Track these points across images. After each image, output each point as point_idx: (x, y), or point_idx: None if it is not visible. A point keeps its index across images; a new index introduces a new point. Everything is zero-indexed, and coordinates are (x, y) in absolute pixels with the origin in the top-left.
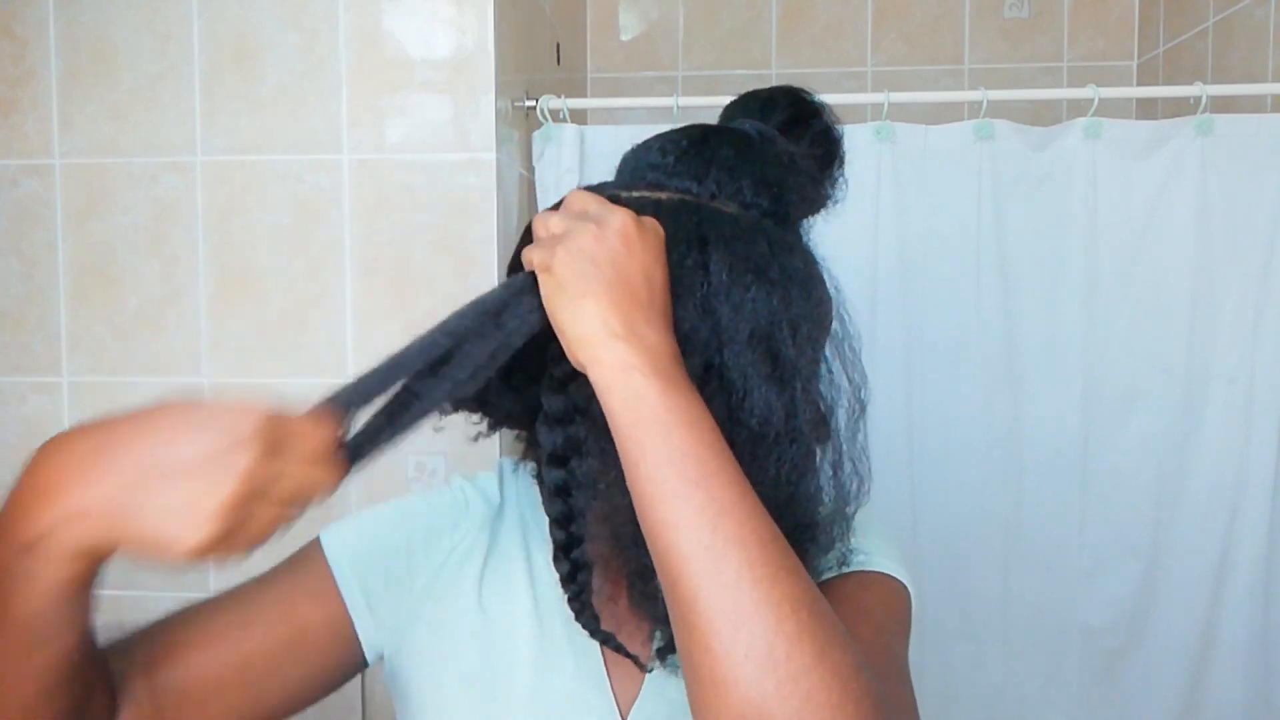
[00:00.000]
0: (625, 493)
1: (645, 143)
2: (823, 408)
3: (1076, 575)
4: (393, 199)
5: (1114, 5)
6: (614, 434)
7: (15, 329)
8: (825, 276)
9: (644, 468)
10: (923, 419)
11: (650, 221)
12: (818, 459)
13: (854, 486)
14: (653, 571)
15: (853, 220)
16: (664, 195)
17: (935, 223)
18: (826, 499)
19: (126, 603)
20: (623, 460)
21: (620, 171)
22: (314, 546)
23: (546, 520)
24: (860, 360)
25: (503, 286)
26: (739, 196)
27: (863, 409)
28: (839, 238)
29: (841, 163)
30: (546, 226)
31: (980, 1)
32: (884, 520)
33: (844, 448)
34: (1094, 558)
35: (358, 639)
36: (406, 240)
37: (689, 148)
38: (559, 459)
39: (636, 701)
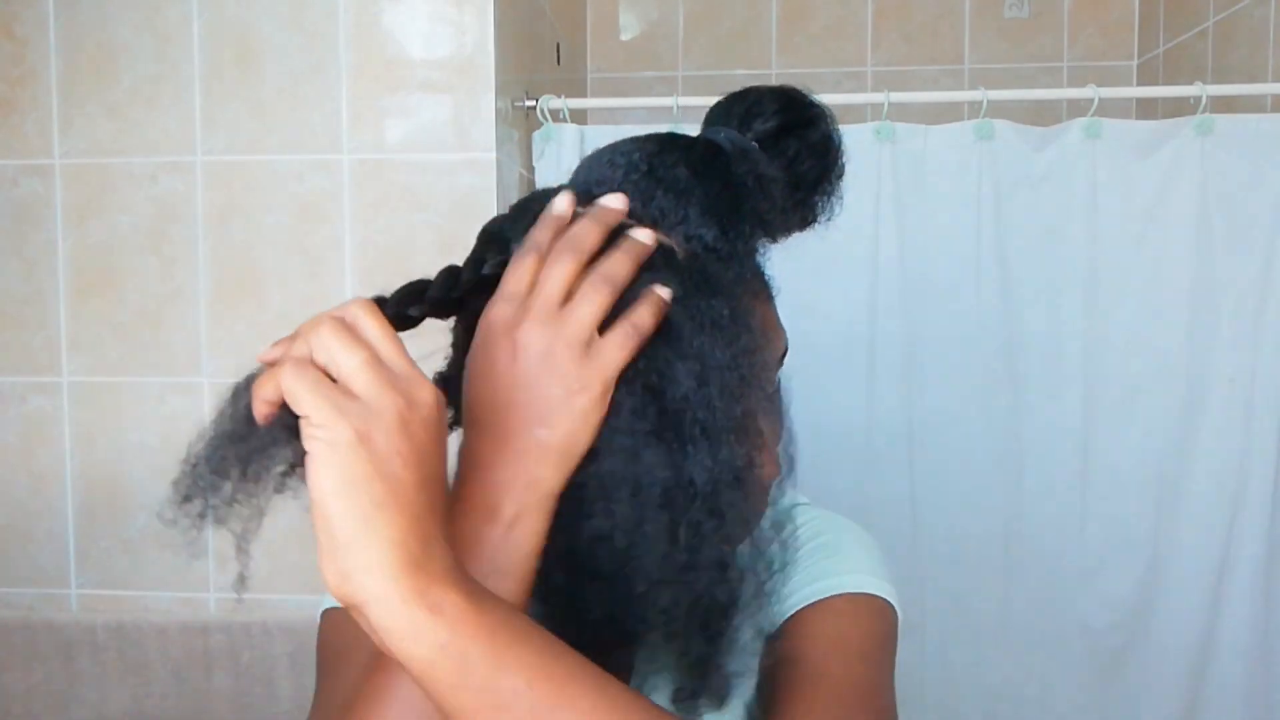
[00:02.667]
0: (576, 525)
1: (603, 150)
2: (750, 460)
3: (1076, 575)
4: (393, 199)
5: (1114, 5)
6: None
7: (15, 329)
8: (767, 308)
9: None
10: (923, 419)
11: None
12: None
13: (775, 553)
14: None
15: (853, 220)
16: None
17: (935, 223)
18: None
19: (128, 601)
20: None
21: (575, 175)
22: (336, 619)
23: None
24: (789, 415)
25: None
26: (683, 226)
27: (791, 465)
28: (839, 238)
29: (840, 175)
30: (335, 361)
31: (980, 1)
32: (878, 522)
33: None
34: (1094, 558)
35: None
36: (406, 240)
37: (640, 163)
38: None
39: None
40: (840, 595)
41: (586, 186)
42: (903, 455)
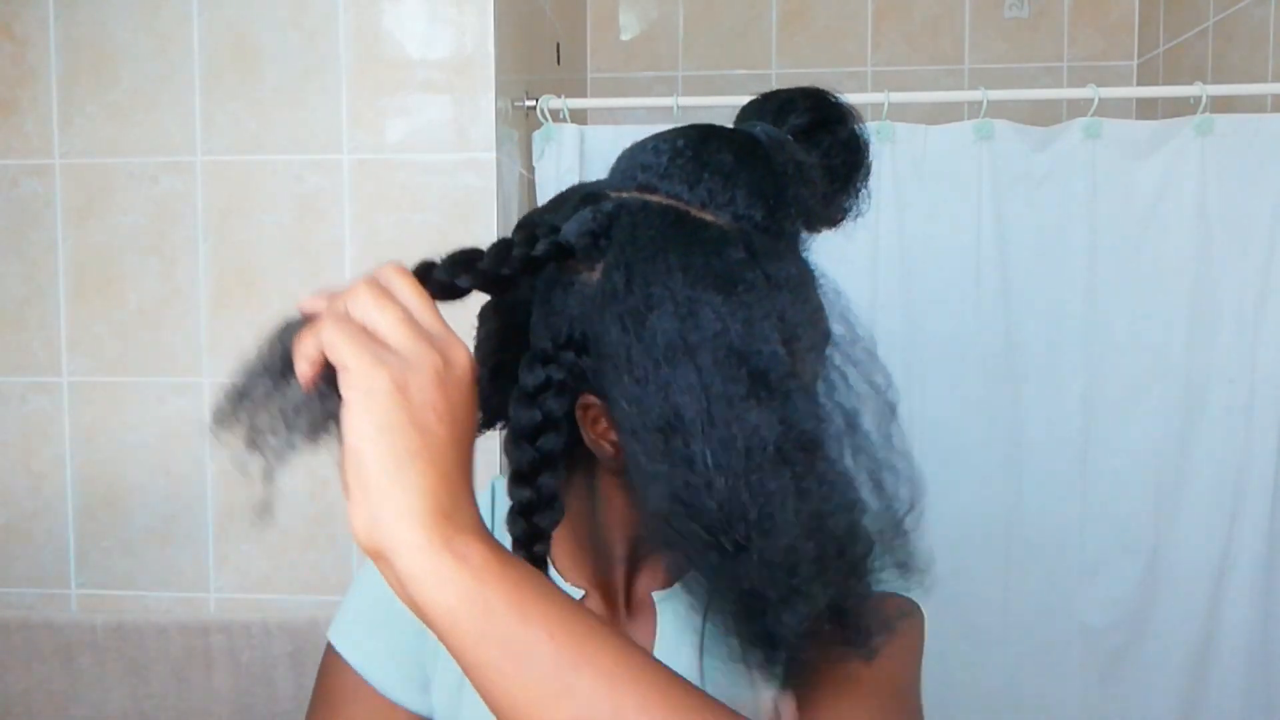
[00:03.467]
0: (594, 511)
1: (645, 140)
2: (821, 420)
3: (1076, 575)
4: (393, 199)
5: (1114, 5)
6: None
7: (15, 329)
8: (823, 283)
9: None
10: (923, 419)
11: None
12: (846, 471)
13: (904, 492)
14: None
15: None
16: (652, 199)
17: (935, 223)
18: (871, 509)
19: (128, 601)
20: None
21: (615, 167)
22: (337, 665)
23: None
24: (879, 360)
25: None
26: (731, 206)
27: (892, 411)
28: (839, 237)
29: (867, 173)
30: (367, 314)
31: (980, 1)
32: None
33: (880, 456)
34: (1094, 558)
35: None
36: (406, 240)
37: (685, 149)
38: (525, 476)
39: None
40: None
41: (632, 173)
42: None
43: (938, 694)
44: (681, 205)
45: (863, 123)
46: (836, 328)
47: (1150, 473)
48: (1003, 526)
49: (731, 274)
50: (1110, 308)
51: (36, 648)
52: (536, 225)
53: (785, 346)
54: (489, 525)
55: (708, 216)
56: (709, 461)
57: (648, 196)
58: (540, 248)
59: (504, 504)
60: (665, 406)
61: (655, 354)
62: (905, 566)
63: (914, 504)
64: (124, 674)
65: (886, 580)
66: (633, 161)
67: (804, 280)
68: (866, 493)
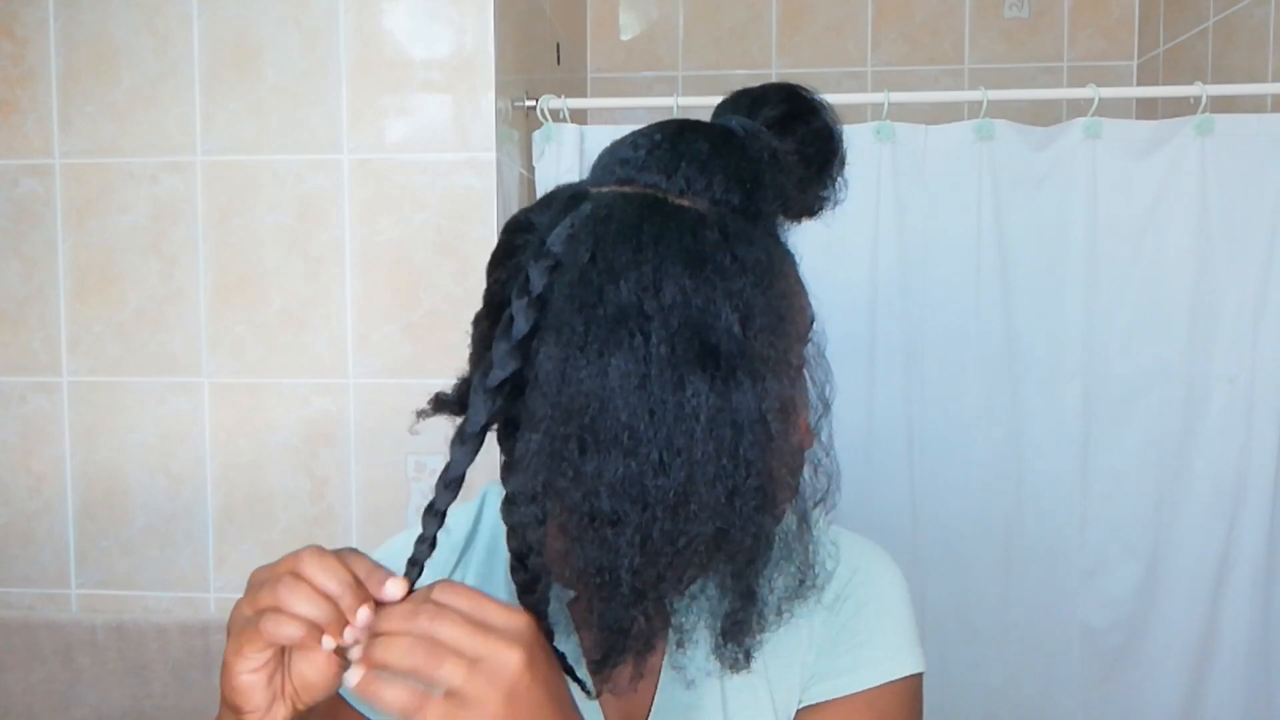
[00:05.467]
0: (552, 516)
1: (624, 137)
2: (787, 406)
3: (1076, 575)
4: (393, 199)
5: (1114, 5)
6: None
7: (15, 329)
8: (795, 274)
9: None
10: (923, 419)
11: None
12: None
13: (823, 485)
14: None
15: (853, 220)
16: (630, 190)
17: (935, 223)
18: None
19: (128, 601)
20: None
21: (595, 164)
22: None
23: None
24: (824, 358)
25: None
26: (709, 192)
27: (826, 408)
28: (839, 238)
29: (842, 163)
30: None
31: (980, 1)
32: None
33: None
34: (1094, 558)
35: None
36: (406, 240)
37: (662, 141)
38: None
39: None
40: (888, 684)
41: (611, 168)
42: (902, 455)
43: (938, 694)
44: (659, 193)
45: (835, 114)
46: (793, 325)
47: (1150, 472)
48: (1003, 526)
49: (703, 254)
50: (1110, 308)
51: (36, 648)
52: (519, 230)
53: (741, 329)
54: (465, 533)
55: (685, 202)
56: (648, 417)
57: (626, 189)
58: (520, 325)
59: (494, 509)
60: (595, 373)
61: (604, 318)
62: (802, 576)
63: (830, 500)
64: (124, 674)
65: (779, 588)
66: (612, 158)
67: (774, 267)
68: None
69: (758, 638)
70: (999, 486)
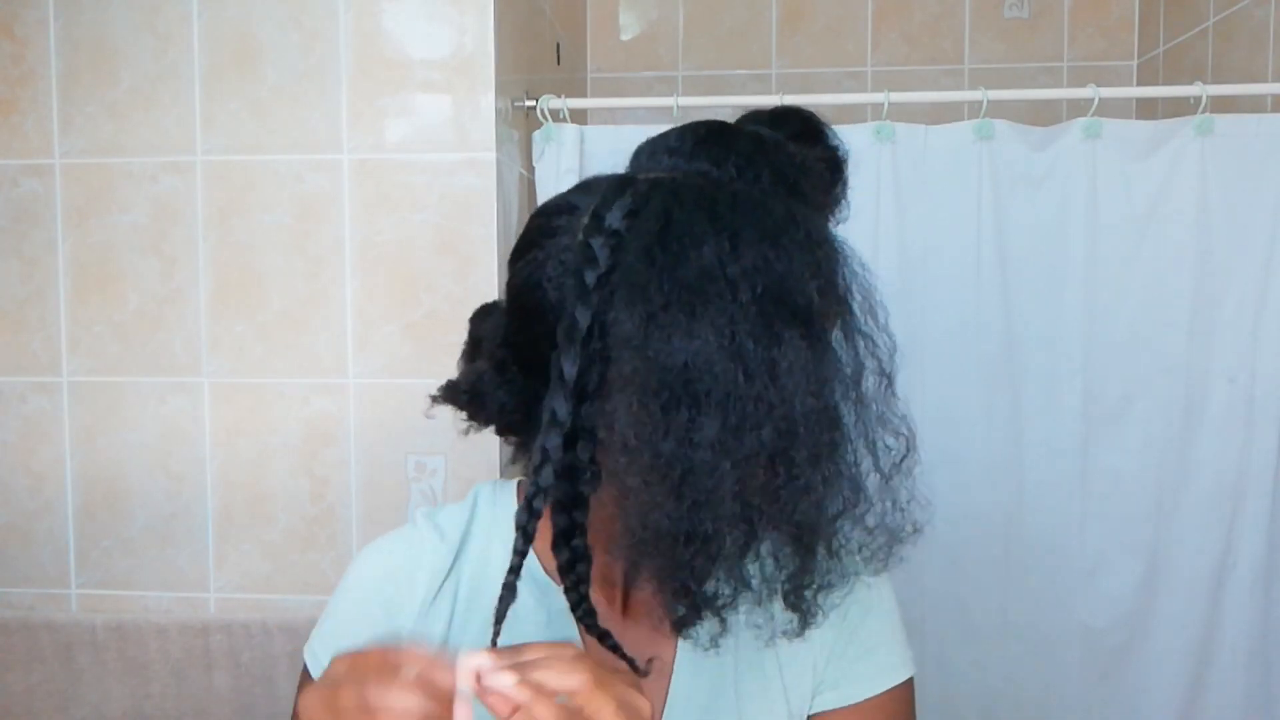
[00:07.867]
0: (633, 477)
1: (664, 133)
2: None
3: (1076, 575)
4: (393, 199)
5: (1114, 5)
6: None
7: (15, 329)
8: (850, 256)
9: None
10: (922, 419)
11: None
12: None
13: (900, 447)
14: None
15: (853, 220)
16: (682, 175)
17: (935, 222)
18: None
19: (128, 601)
20: None
21: (634, 159)
22: (308, 684)
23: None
24: (888, 326)
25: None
26: (757, 184)
27: (890, 380)
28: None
29: (845, 185)
30: None
31: (980, 1)
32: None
33: (881, 413)
34: (1094, 558)
35: None
36: (406, 240)
37: (707, 136)
38: (570, 438)
39: None
40: (893, 689)
41: (657, 158)
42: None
43: (938, 694)
44: (715, 177)
45: (841, 143)
46: (859, 297)
47: (1150, 472)
48: (1003, 526)
49: (778, 225)
50: (1110, 308)
51: (36, 648)
52: (557, 213)
53: (820, 297)
54: (459, 537)
55: (740, 187)
56: (731, 388)
57: (675, 174)
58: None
59: (487, 512)
60: (683, 333)
61: (687, 280)
62: (884, 540)
63: (910, 462)
64: (124, 674)
65: (862, 546)
66: (655, 149)
67: (838, 244)
68: (862, 447)
69: (828, 597)
70: (999, 486)
